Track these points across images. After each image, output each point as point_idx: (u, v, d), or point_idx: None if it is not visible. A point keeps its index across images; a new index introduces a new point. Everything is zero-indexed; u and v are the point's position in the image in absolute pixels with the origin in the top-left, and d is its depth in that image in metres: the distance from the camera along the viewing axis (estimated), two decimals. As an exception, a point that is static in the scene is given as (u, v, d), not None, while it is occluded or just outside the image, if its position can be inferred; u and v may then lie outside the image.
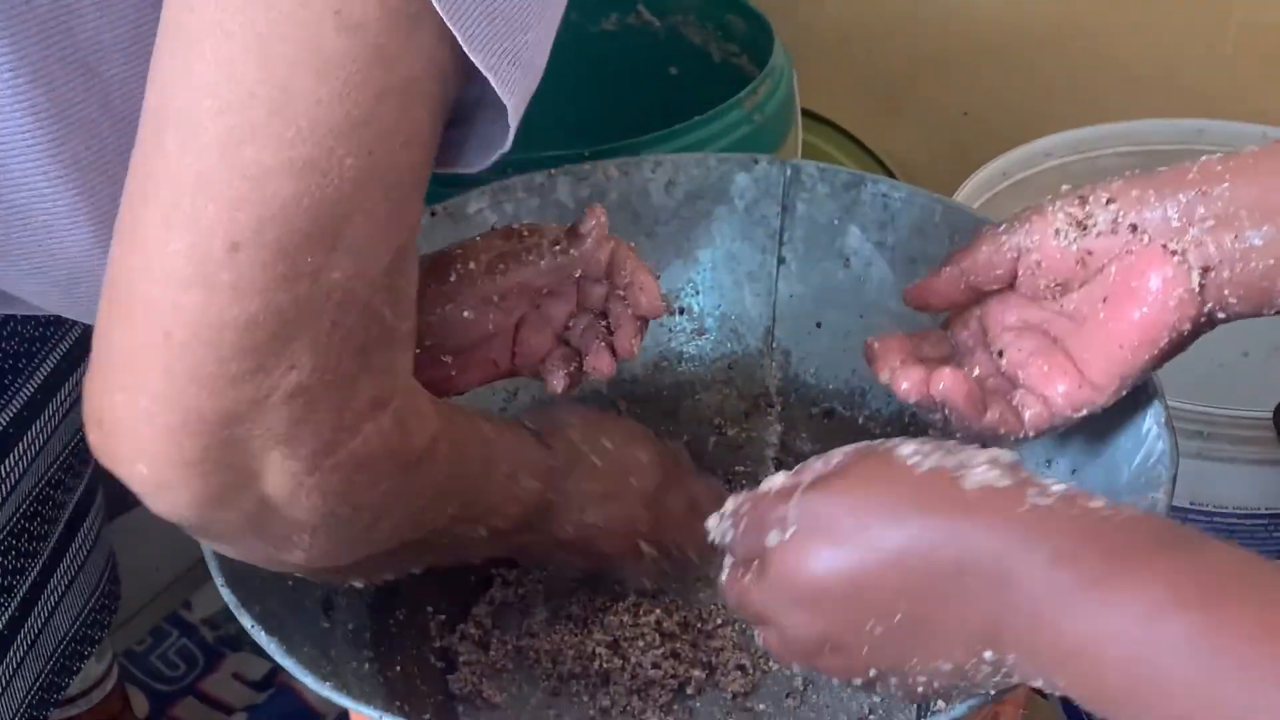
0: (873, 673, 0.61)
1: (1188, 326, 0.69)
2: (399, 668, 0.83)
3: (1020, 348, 0.75)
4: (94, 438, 0.55)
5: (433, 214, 0.90)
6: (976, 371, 0.77)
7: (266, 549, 0.61)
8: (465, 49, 0.50)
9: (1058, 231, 0.72)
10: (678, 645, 0.86)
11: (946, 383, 0.73)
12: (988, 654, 0.57)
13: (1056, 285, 0.73)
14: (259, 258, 0.50)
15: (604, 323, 0.81)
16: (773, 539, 0.61)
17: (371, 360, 0.56)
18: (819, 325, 0.95)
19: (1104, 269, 0.71)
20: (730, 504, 0.66)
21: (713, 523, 0.67)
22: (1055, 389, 0.73)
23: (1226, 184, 0.68)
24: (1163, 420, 0.74)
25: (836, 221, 0.92)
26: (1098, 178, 1.23)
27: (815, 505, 0.61)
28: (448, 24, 0.49)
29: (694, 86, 1.32)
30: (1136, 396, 0.74)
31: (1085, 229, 0.71)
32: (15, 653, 0.88)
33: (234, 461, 0.54)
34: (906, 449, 0.60)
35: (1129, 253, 0.70)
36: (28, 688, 0.91)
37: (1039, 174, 1.23)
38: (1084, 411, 0.73)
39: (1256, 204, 0.67)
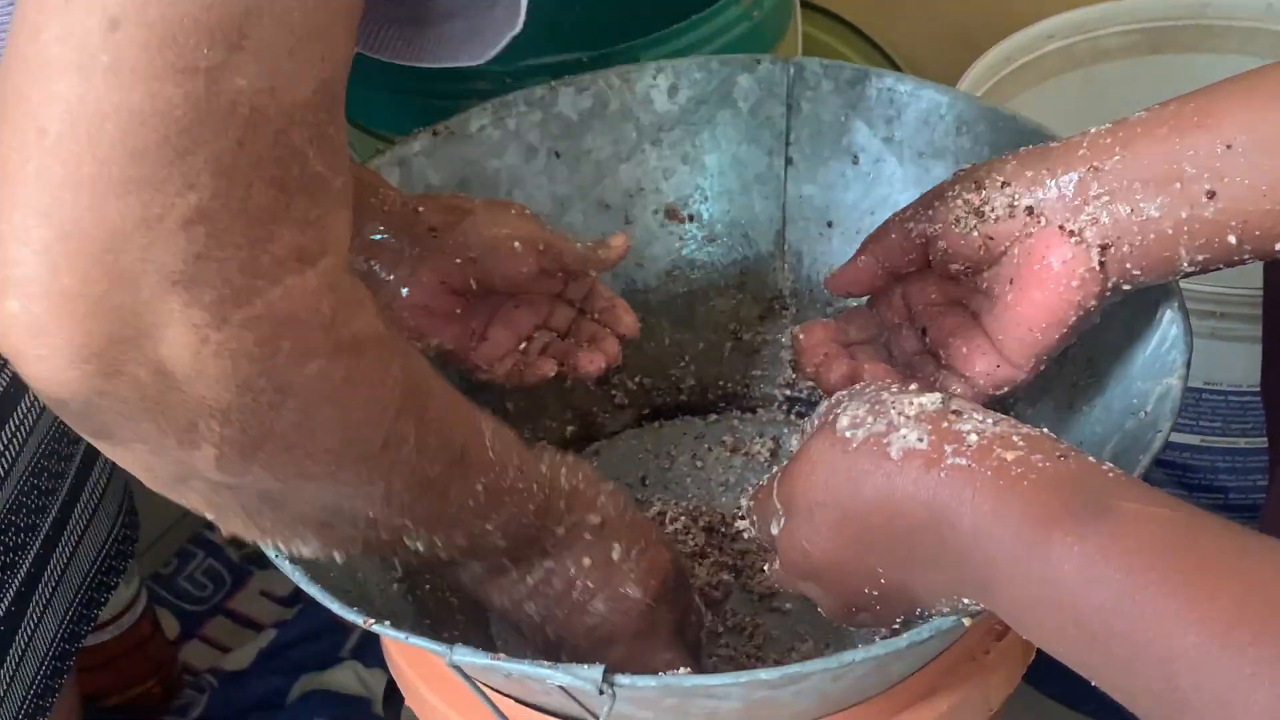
0: (900, 620, 0.63)
1: (1093, 303, 0.70)
2: (428, 585, 0.84)
3: (941, 326, 0.77)
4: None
5: (435, 133, 0.89)
6: (906, 348, 0.79)
7: (169, 445, 0.50)
8: None
9: (957, 220, 0.73)
10: (705, 548, 0.87)
11: (870, 379, 0.76)
12: (965, 601, 0.58)
13: (966, 268, 0.74)
14: (140, 38, 0.44)
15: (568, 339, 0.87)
16: (774, 528, 0.65)
17: (293, 204, 0.49)
18: (830, 225, 0.95)
19: (1006, 251, 0.72)
20: (744, 501, 0.69)
21: (742, 524, 0.70)
22: (975, 369, 0.74)
23: (1117, 156, 0.68)
24: (1177, 305, 0.74)
25: (843, 119, 0.92)
26: (1102, 59, 1.24)
27: (787, 493, 0.63)
28: None
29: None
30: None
31: (983, 216, 0.72)
32: (44, 588, 0.89)
33: (122, 303, 0.47)
34: (844, 420, 0.61)
35: (1028, 235, 0.71)
36: (58, 622, 0.92)
37: (1042, 58, 1.22)
38: (1005, 388, 0.74)
39: (1149, 174, 0.67)
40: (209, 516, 0.57)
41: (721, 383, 1.00)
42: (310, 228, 0.50)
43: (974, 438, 0.56)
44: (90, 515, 0.94)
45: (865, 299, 0.83)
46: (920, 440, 0.57)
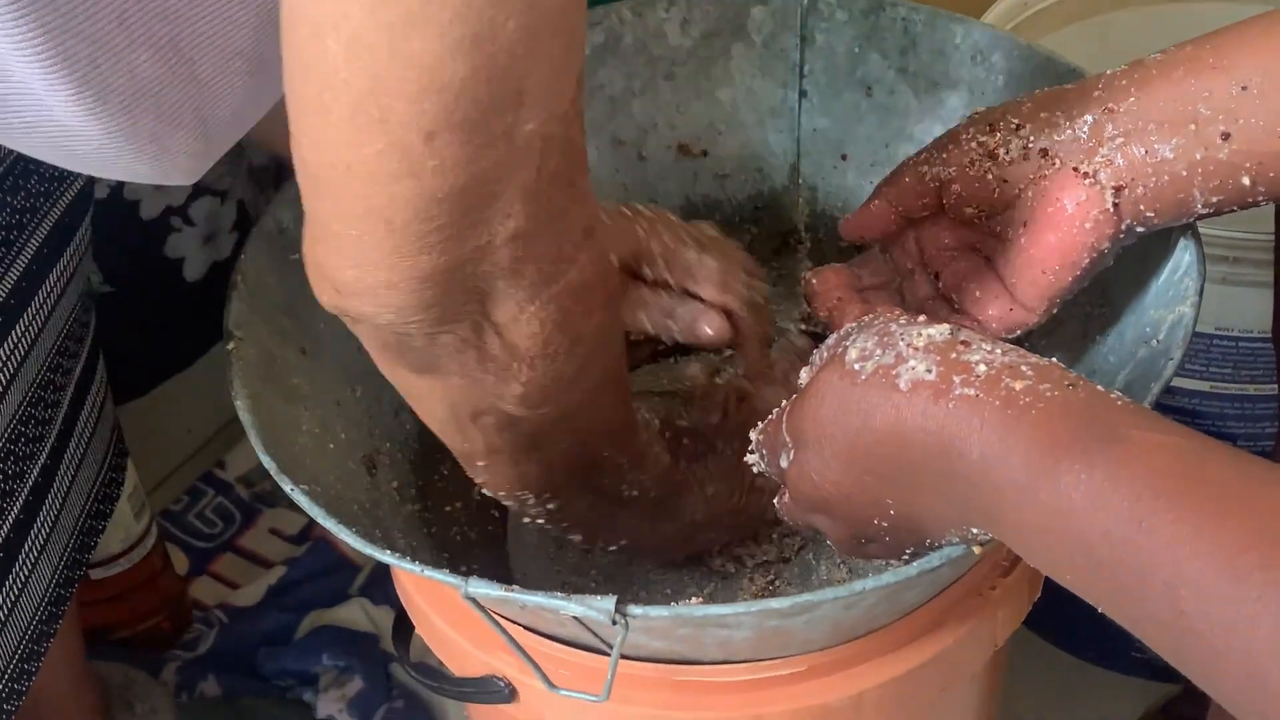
0: (909, 551, 0.63)
1: (1106, 245, 0.69)
2: (447, 520, 0.85)
3: (955, 270, 0.77)
4: (327, 299, 0.56)
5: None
6: (919, 293, 0.79)
7: (487, 380, 0.61)
8: None
9: (971, 162, 0.73)
10: None
11: None
12: (974, 530, 0.58)
13: (980, 211, 0.74)
14: (455, 139, 0.50)
15: None
16: (784, 461, 0.65)
17: (577, 188, 0.57)
18: (844, 158, 0.94)
19: (1021, 194, 0.71)
20: (754, 435, 0.70)
21: (752, 459, 0.70)
22: (988, 312, 0.74)
23: (1133, 98, 0.68)
24: (1190, 233, 0.74)
25: (857, 50, 0.91)
26: (1120, 5, 1.24)
27: (796, 425, 0.63)
28: None
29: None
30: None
31: (996, 158, 0.72)
32: (44, 517, 0.89)
33: (465, 292, 0.56)
34: (853, 352, 0.61)
35: (1043, 177, 0.70)
36: (60, 551, 0.92)
37: (1060, 3, 1.21)
38: (1019, 331, 0.74)
39: (1164, 115, 0.67)
40: (478, 464, 0.67)
41: (735, 320, 0.99)
42: (587, 199, 0.58)
43: (982, 368, 0.56)
44: (84, 448, 0.94)
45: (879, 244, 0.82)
46: (929, 371, 0.57)
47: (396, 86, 0.48)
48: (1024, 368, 0.56)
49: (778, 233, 0.97)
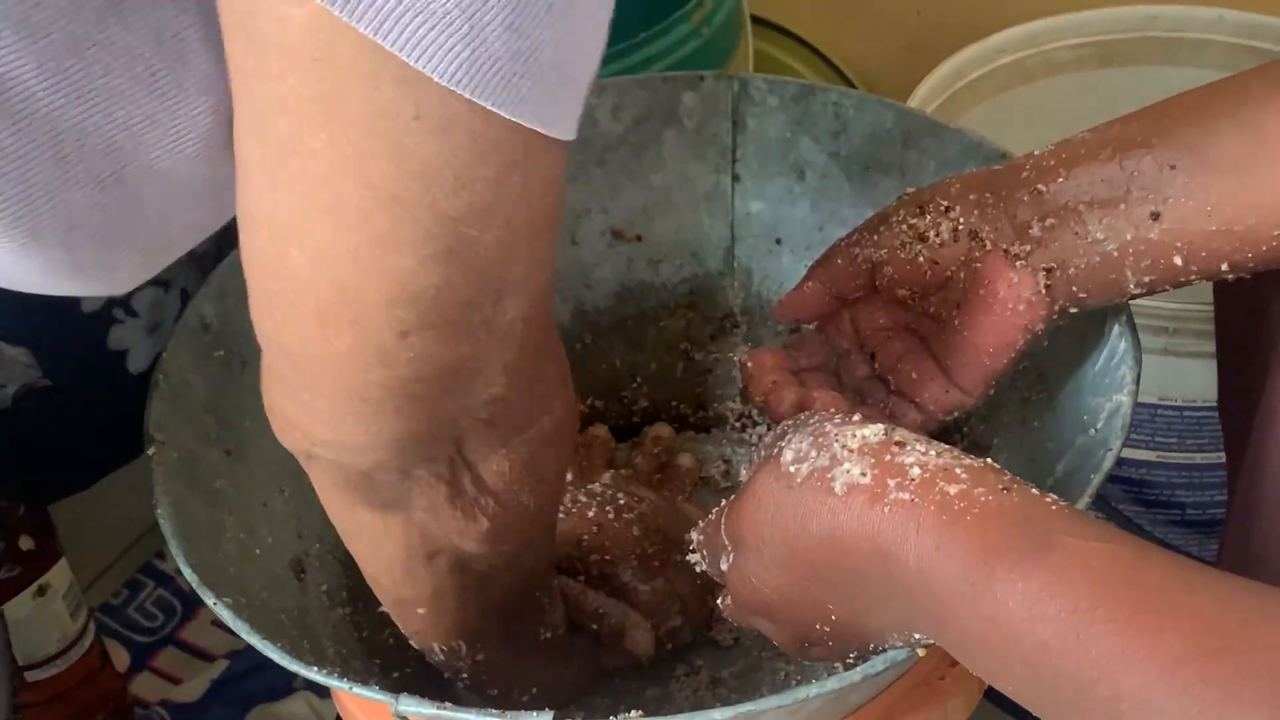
0: (853, 655, 0.62)
1: (1040, 327, 0.69)
2: (379, 622, 0.83)
3: (890, 351, 0.76)
4: (294, 445, 0.57)
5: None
6: (855, 374, 0.78)
7: (454, 514, 0.60)
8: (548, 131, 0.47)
9: (902, 244, 0.72)
10: None
11: (820, 408, 0.74)
12: (917, 636, 0.57)
13: (913, 292, 0.73)
14: (431, 335, 0.50)
15: None
16: (724, 564, 0.64)
17: (552, 347, 0.58)
18: (779, 241, 0.94)
19: (952, 276, 0.71)
20: (693, 535, 0.69)
21: (693, 558, 0.69)
22: (924, 395, 0.74)
23: (1061, 178, 0.67)
24: (1125, 319, 0.73)
25: (789, 134, 0.91)
26: (1054, 71, 1.24)
27: (734, 528, 0.62)
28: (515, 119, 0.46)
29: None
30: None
31: (927, 240, 0.71)
32: None
33: (443, 440, 0.56)
34: (788, 454, 0.60)
35: (974, 260, 0.70)
36: None
37: (994, 71, 1.21)
38: (956, 413, 0.74)
39: (1093, 196, 0.66)
40: (418, 610, 0.67)
41: (674, 403, 0.99)
42: (559, 350, 0.60)
43: (916, 471, 0.55)
44: None
45: (814, 324, 0.82)
46: (863, 475, 0.56)
47: (367, 296, 0.48)
48: (959, 470, 0.55)
49: (714, 317, 0.97)
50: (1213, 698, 0.45)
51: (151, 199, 0.55)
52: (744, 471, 0.68)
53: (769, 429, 0.83)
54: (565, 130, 0.47)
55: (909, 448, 0.57)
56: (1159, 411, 1.04)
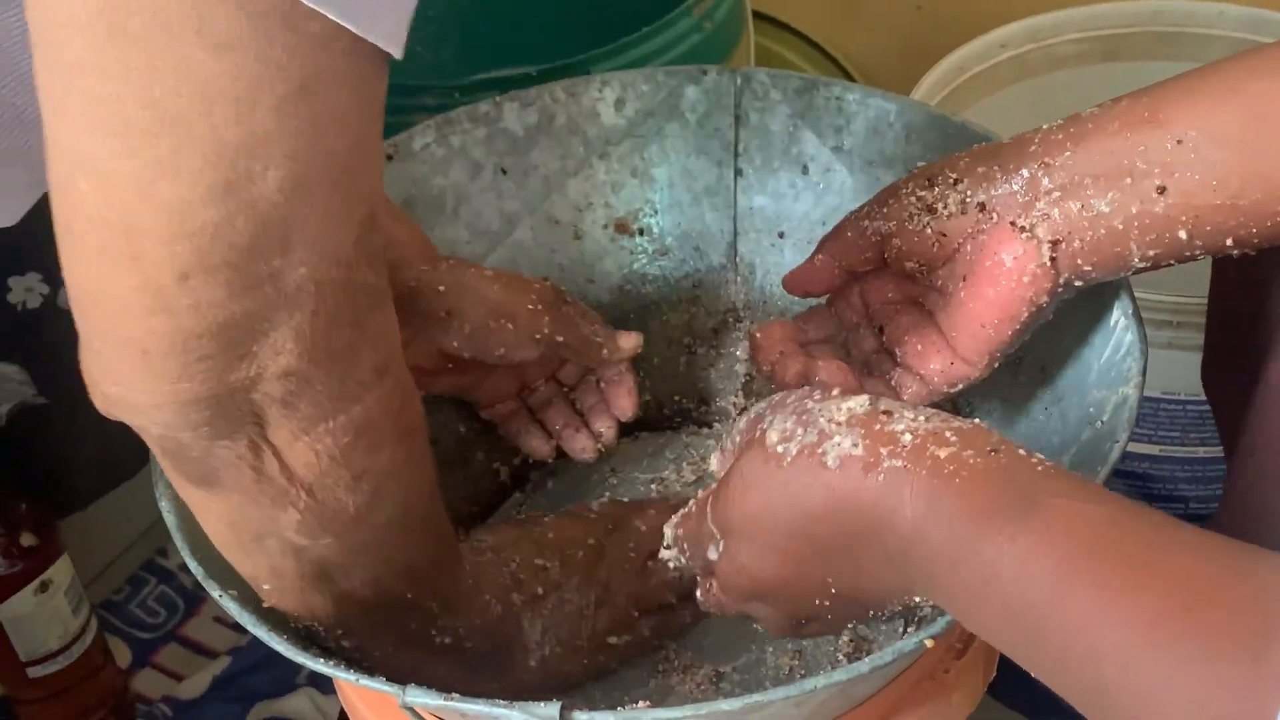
0: (851, 625, 0.64)
1: (1045, 299, 0.69)
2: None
3: (898, 324, 0.77)
4: (99, 405, 0.55)
5: (390, 157, 0.88)
6: (864, 347, 0.79)
7: (264, 502, 0.58)
8: (359, 31, 0.46)
9: (911, 216, 0.73)
10: None
11: (824, 375, 0.76)
12: (916, 598, 0.58)
13: (921, 265, 0.73)
14: (211, 280, 0.48)
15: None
16: (712, 554, 0.64)
17: (369, 327, 0.55)
18: (781, 235, 0.94)
19: (960, 248, 0.71)
20: (669, 530, 0.69)
21: (666, 554, 0.69)
22: (929, 366, 0.74)
23: (1069, 152, 0.67)
24: (1130, 312, 0.73)
25: (792, 129, 0.91)
26: (1055, 66, 1.24)
27: (722, 516, 0.63)
28: (323, 11, 0.45)
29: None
30: (1103, 289, 0.73)
31: (935, 212, 0.72)
32: None
33: (239, 414, 0.54)
34: (773, 435, 0.60)
35: (980, 232, 0.70)
36: None
37: (995, 66, 1.22)
38: (960, 385, 0.74)
39: (1100, 169, 0.66)
40: (264, 586, 0.64)
41: (677, 398, 0.99)
42: (383, 339, 0.57)
43: (908, 437, 0.56)
44: None
45: (823, 299, 0.82)
46: (855, 446, 0.57)
47: (147, 228, 0.47)
48: (948, 434, 0.56)
49: (716, 311, 0.97)
50: (1189, 653, 0.46)
51: (30, 110, 0.55)
52: (713, 461, 0.68)
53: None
54: (374, 31, 0.46)
55: (897, 415, 0.58)
56: (1162, 405, 1.04)
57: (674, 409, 0.99)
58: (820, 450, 0.57)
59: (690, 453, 0.97)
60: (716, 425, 0.98)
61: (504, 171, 0.91)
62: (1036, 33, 1.23)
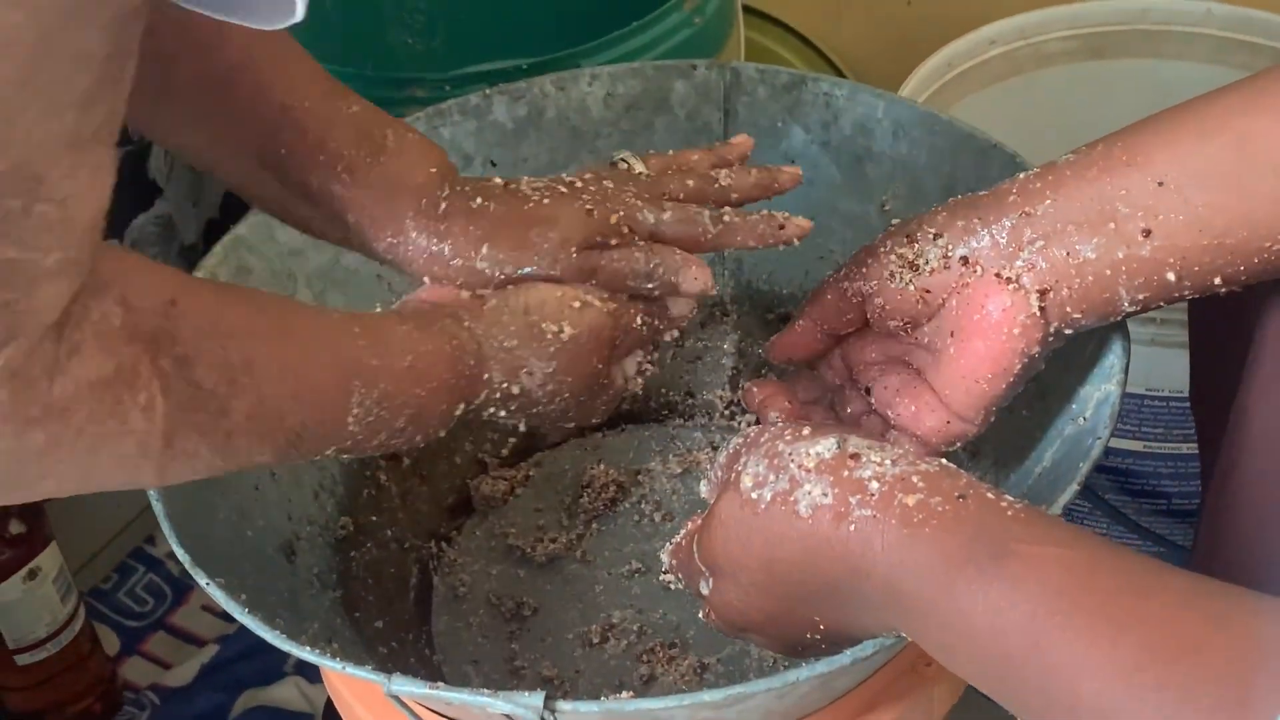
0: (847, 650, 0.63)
1: (1036, 349, 0.69)
2: (369, 604, 0.83)
3: (886, 385, 0.75)
4: None
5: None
6: (851, 409, 0.78)
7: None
8: None
9: (892, 275, 0.72)
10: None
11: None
12: (901, 633, 0.58)
13: (905, 323, 0.73)
14: None
15: None
16: (703, 588, 0.65)
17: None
18: (768, 230, 0.94)
19: (945, 304, 0.71)
20: (665, 557, 0.69)
21: (668, 577, 0.70)
22: (925, 426, 0.73)
23: (1049, 200, 0.67)
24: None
25: (780, 124, 0.91)
26: (1043, 64, 1.24)
27: (708, 556, 0.63)
28: None
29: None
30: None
31: (917, 269, 0.71)
32: None
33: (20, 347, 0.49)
34: (747, 480, 0.61)
35: (965, 286, 0.70)
36: None
37: (984, 63, 1.22)
38: (958, 444, 0.73)
39: (1083, 216, 0.66)
40: None
41: (664, 390, 0.99)
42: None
43: (875, 484, 0.56)
44: None
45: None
46: (825, 495, 0.57)
47: None
48: (915, 478, 0.56)
49: (704, 304, 0.97)
50: (1168, 702, 0.46)
51: None
52: (703, 488, 0.68)
53: (756, 422, 0.84)
54: None
55: (864, 459, 0.58)
56: (1146, 402, 1.04)
57: (660, 402, 0.99)
58: (793, 498, 0.58)
59: (676, 445, 0.97)
60: (701, 418, 0.99)
61: (494, 164, 0.92)
62: (1025, 30, 1.23)
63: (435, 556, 0.91)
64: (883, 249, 0.73)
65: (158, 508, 0.70)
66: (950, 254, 0.70)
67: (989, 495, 0.55)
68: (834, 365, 0.79)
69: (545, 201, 0.73)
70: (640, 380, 0.76)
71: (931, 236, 0.71)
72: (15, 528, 1.07)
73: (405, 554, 0.90)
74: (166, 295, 0.55)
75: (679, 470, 0.95)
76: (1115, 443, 1.07)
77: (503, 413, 0.71)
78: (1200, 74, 1.19)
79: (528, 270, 0.71)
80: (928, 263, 0.71)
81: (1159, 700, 0.46)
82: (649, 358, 0.77)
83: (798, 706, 0.69)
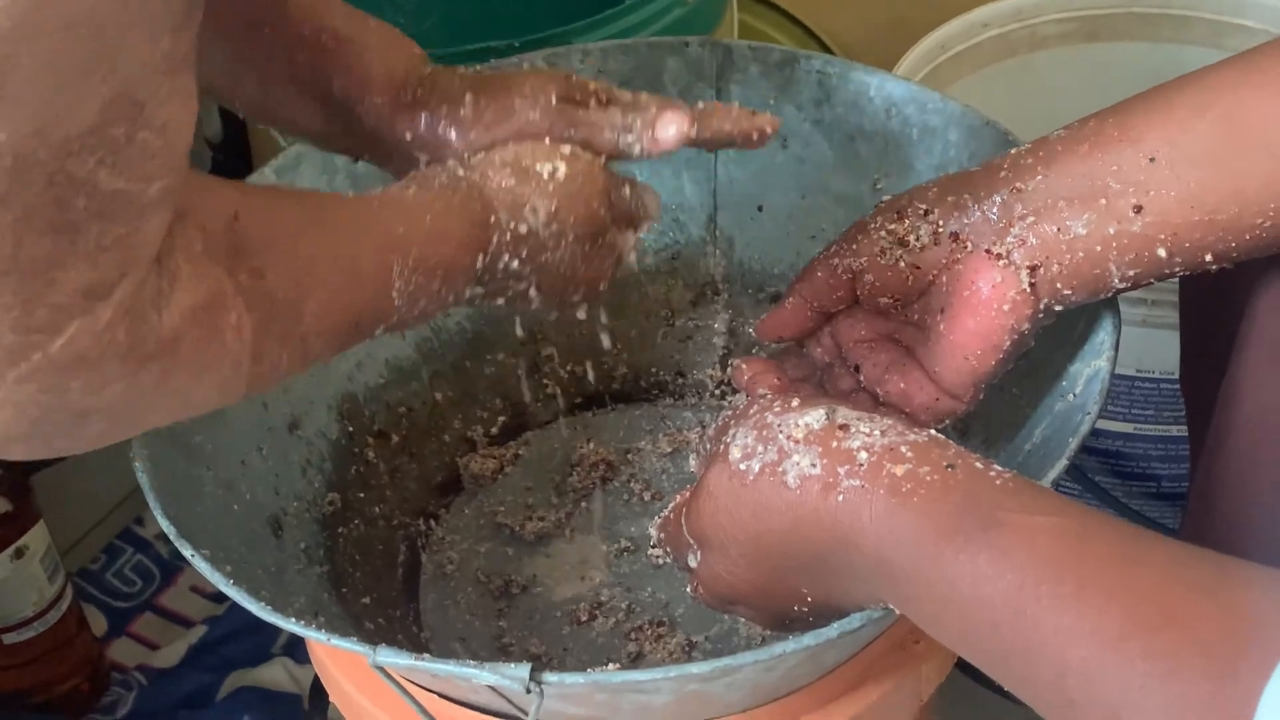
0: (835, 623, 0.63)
1: (1026, 326, 0.68)
2: (356, 580, 0.83)
3: (875, 362, 0.75)
4: None
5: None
6: (840, 387, 0.77)
7: None
8: None
9: (882, 251, 0.72)
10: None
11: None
12: (892, 605, 0.58)
13: (895, 300, 0.73)
14: None
15: None
16: (691, 561, 0.64)
17: (81, 239, 0.46)
18: (760, 209, 0.94)
19: (935, 280, 0.71)
20: (653, 531, 0.69)
21: (656, 552, 0.70)
22: (914, 403, 0.73)
23: (1040, 176, 0.67)
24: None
25: (772, 102, 0.91)
26: (1038, 46, 1.24)
27: (696, 528, 0.63)
28: None
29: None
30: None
31: (907, 245, 0.71)
32: None
33: None
34: (735, 451, 0.60)
35: (955, 262, 0.69)
36: None
37: (978, 45, 1.21)
38: (947, 420, 0.73)
39: (1073, 191, 0.66)
40: None
41: (654, 370, 0.99)
42: (105, 254, 0.47)
43: (864, 455, 0.56)
44: None
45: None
46: (813, 466, 0.57)
47: None
48: (903, 449, 0.56)
49: (695, 283, 0.97)
50: (1154, 671, 0.46)
51: None
52: (692, 461, 0.68)
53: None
54: None
55: (853, 430, 0.58)
56: (1137, 383, 1.04)
57: (651, 381, 0.99)
58: (781, 469, 0.58)
59: (666, 424, 0.97)
60: (692, 397, 0.99)
61: (485, 141, 0.91)
62: (1019, 12, 1.23)
63: (423, 534, 0.91)
64: (873, 225, 0.72)
65: (143, 480, 0.69)
66: (940, 230, 0.70)
67: (977, 465, 0.55)
68: (823, 343, 0.78)
69: (524, 68, 0.77)
70: (634, 255, 0.75)
71: (922, 212, 0.71)
72: (2, 505, 1.07)
73: (393, 531, 0.89)
74: (229, 211, 0.55)
75: (669, 450, 0.95)
76: (1106, 425, 1.07)
77: (515, 263, 0.67)
78: (1196, 57, 1.18)
79: (513, 125, 0.71)
80: (918, 239, 0.70)
81: (1146, 668, 0.46)
82: (635, 245, 0.75)
83: (786, 681, 0.69)
